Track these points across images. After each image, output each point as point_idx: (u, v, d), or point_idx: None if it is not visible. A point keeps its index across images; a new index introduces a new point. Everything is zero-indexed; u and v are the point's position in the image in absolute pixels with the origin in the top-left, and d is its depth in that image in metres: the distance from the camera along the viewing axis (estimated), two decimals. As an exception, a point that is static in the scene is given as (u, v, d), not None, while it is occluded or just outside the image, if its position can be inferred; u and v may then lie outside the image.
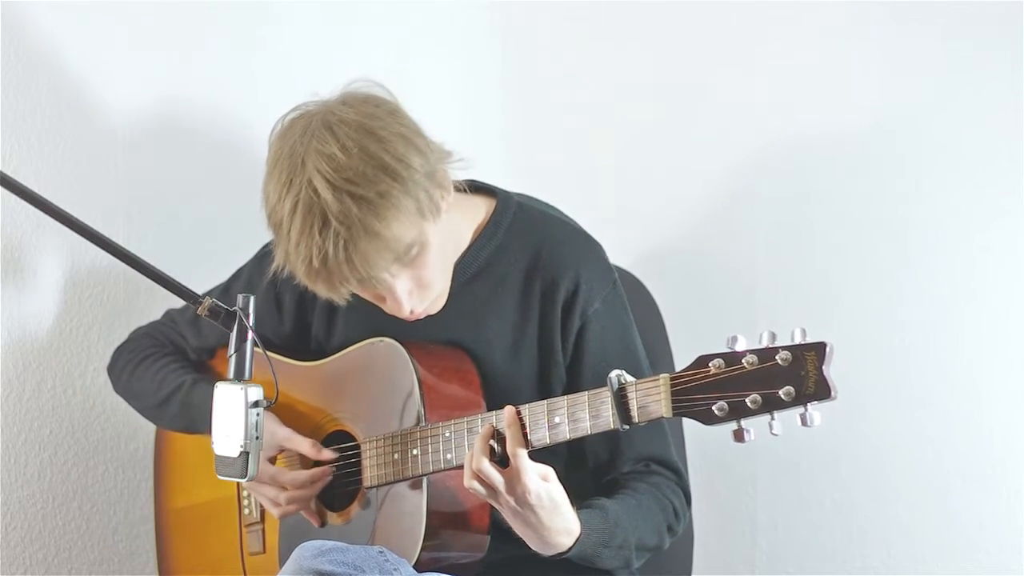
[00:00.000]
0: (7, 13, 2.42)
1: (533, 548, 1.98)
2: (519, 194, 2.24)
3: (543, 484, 1.92)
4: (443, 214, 2.04)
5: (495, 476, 1.92)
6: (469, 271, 2.17)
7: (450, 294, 2.14)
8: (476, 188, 2.20)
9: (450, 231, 2.10)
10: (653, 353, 2.35)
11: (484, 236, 2.18)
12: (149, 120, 2.59)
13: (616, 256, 2.31)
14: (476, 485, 1.94)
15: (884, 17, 2.53)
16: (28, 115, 2.47)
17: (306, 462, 2.24)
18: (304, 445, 2.20)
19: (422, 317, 2.10)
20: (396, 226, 1.96)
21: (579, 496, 2.02)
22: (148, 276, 1.99)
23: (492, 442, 1.95)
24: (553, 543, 1.96)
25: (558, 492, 1.94)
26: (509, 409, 1.94)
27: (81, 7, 2.51)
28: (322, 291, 2.02)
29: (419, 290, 2.05)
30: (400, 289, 2.02)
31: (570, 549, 1.98)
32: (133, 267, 1.99)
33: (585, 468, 2.15)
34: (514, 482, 1.91)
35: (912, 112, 2.51)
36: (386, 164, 1.96)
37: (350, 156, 1.95)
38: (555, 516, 1.94)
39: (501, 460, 1.94)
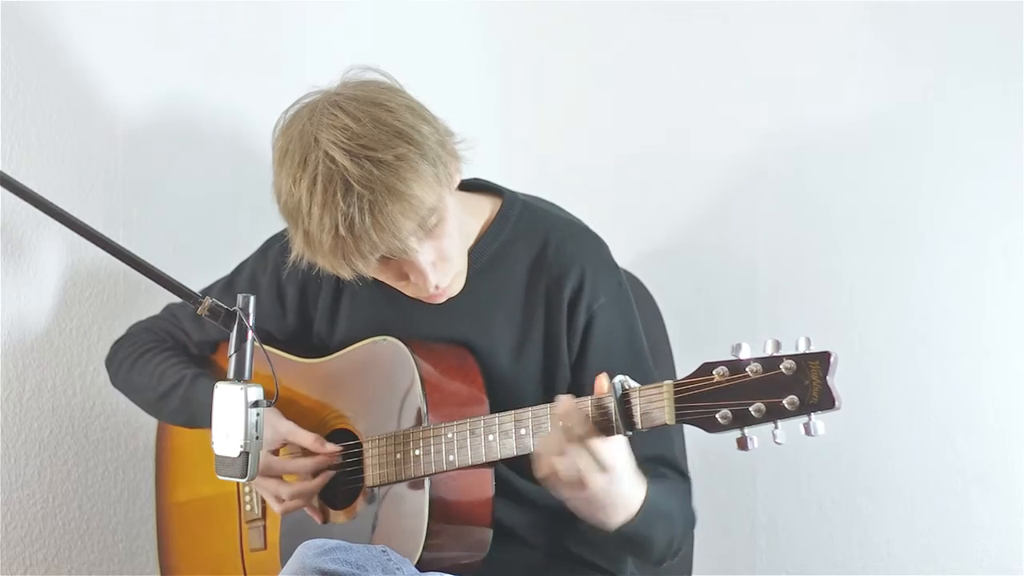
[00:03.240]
0: (7, 13, 2.42)
1: (608, 524, 1.94)
2: (524, 194, 2.25)
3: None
4: (455, 190, 2.04)
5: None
6: (475, 267, 2.17)
7: None
8: (482, 187, 2.21)
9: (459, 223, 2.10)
10: (654, 353, 2.34)
11: (490, 234, 2.18)
12: (149, 120, 2.59)
13: (616, 256, 2.31)
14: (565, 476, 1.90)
15: (885, 16, 2.53)
16: (28, 115, 2.46)
17: (308, 456, 2.24)
18: (307, 439, 2.19)
19: (443, 298, 2.10)
20: (417, 187, 1.96)
21: None
22: (148, 276, 1.99)
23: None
24: (623, 509, 1.93)
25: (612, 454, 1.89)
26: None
27: (81, 6, 2.51)
28: (346, 270, 2.01)
29: (441, 263, 2.05)
30: (424, 260, 2.02)
31: (636, 515, 1.95)
32: (133, 267, 1.99)
33: None
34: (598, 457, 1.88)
35: (913, 111, 2.51)
36: (399, 129, 1.97)
37: (363, 125, 1.96)
38: (621, 484, 1.91)
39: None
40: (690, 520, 2.13)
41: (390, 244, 1.97)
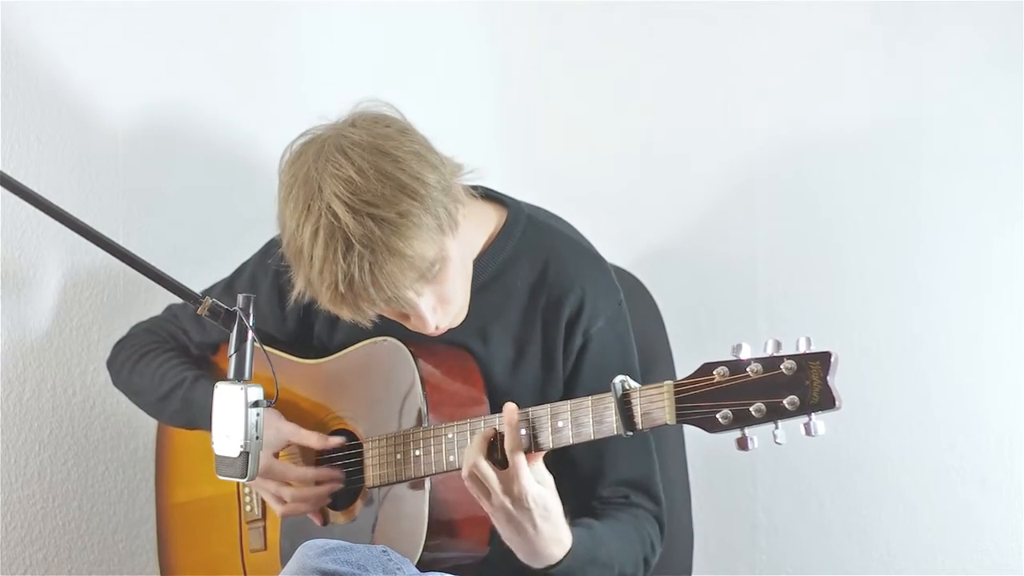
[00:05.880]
0: (7, 14, 2.42)
1: (522, 559, 1.98)
2: (529, 205, 2.24)
3: (539, 487, 1.92)
4: (459, 225, 2.04)
5: (490, 475, 1.92)
6: (478, 280, 2.16)
7: None
8: (486, 196, 2.21)
9: (464, 239, 2.10)
10: (653, 354, 2.35)
11: (494, 248, 2.18)
12: (149, 120, 2.59)
13: (616, 256, 2.31)
14: (470, 484, 1.95)
15: (885, 17, 2.53)
16: (28, 115, 2.46)
17: (309, 460, 2.24)
18: (311, 438, 2.20)
19: (445, 332, 2.09)
20: (418, 244, 1.96)
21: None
22: (148, 276, 1.98)
23: (494, 441, 1.95)
24: (544, 553, 1.96)
25: (552, 499, 1.94)
26: (509, 407, 1.94)
27: (81, 8, 2.51)
28: (347, 315, 2.01)
29: (442, 305, 2.05)
30: (424, 306, 2.03)
31: (560, 562, 1.98)
32: (133, 267, 1.98)
33: (564, 486, 2.13)
34: (511, 483, 1.91)
35: (912, 112, 2.51)
36: (403, 183, 1.96)
37: (367, 178, 1.95)
38: (547, 524, 1.94)
39: (500, 462, 1.94)
40: (640, 558, 2.12)
41: (387, 298, 1.98)
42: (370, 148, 1.97)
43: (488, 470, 1.93)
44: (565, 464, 2.11)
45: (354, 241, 1.93)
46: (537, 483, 1.92)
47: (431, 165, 1.99)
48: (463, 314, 2.11)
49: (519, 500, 1.91)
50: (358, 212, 1.94)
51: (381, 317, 2.08)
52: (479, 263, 2.17)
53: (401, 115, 2.05)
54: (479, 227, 2.18)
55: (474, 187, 2.14)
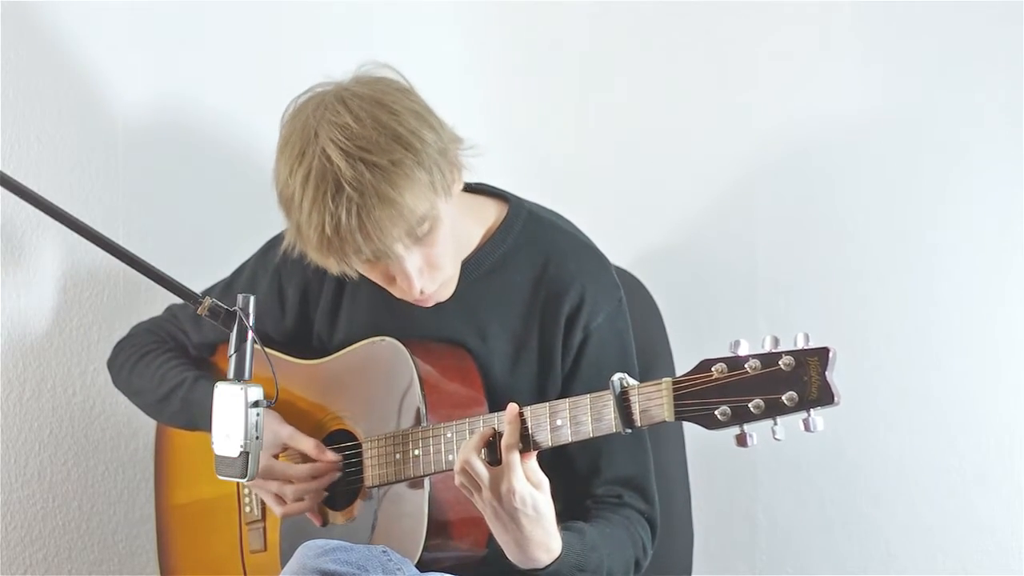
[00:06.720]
0: (7, 13, 2.42)
1: (509, 557, 1.98)
2: (530, 202, 2.24)
3: (529, 488, 1.92)
4: (455, 196, 2.04)
5: (482, 471, 1.93)
6: (476, 273, 2.16)
7: (455, 294, 2.14)
8: (487, 192, 2.21)
9: (460, 228, 2.10)
10: (653, 353, 2.35)
11: (494, 240, 2.18)
12: (149, 120, 2.59)
13: (616, 256, 2.31)
14: (461, 479, 1.95)
15: (885, 17, 2.53)
16: (28, 115, 2.47)
17: (308, 461, 2.23)
18: (307, 445, 2.19)
19: (431, 303, 2.09)
20: (409, 196, 1.96)
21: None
22: (148, 276, 1.99)
23: (492, 440, 1.95)
24: (531, 556, 1.96)
25: (544, 503, 1.93)
26: (512, 407, 1.94)
27: (81, 7, 2.51)
28: (333, 266, 2.02)
29: (429, 270, 2.05)
30: (411, 266, 2.02)
31: (547, 567, 1.97)
32: (133, 267, 1.99)
33: (559, 483, 2.12)
34: (499, 480, 1.92)
35: (912, 112, 2.51)
36: (399, 134, 1.97)
37: (363, 125, 1.96)
38: (536, 527, 1.93)
39: (495, 462, 1.94)
40: (631, 562, 2.12)
41: (375, 248, 1.98)
42: (370, 100, 1.99)
43: (480, 466, 1.93)
44: (561, 461, 2.11)
45: (344, 183, 1.94)
46: (529, 483, 1.92)
47: (429, 125, 2.00)
48: (450, 288, 2.11)
49: (506, 498, 1.91)
50: (351, 156, 1.94)
51: (371, 294, 2.07)
52: (478, 256, 2.17)
53: (404, 78, 2.07)
54: (478, 221, 2.18)
55: (476, 184, 2.14)
